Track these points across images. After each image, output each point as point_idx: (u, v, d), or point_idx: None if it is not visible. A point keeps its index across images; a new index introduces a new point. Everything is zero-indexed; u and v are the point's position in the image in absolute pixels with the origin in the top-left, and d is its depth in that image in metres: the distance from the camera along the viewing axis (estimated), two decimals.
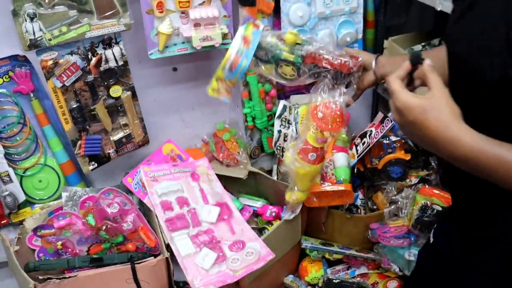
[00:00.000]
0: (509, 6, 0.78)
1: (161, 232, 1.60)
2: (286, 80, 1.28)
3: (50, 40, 1.41)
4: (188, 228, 1.61)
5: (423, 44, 1.89)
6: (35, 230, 1.59)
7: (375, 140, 1.76)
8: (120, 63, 1.57)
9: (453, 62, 0.94)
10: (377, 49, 1.97)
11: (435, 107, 0.82)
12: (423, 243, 1.73)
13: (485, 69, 0.82)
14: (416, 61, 0.93)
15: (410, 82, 0.96)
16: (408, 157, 1.79)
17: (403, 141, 1.80)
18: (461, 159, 0.81)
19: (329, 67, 1.24)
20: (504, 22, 0.79)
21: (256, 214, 1.86)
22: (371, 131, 1.80)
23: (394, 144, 1.80)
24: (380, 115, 1.82)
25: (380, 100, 2.14)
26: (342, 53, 1.26)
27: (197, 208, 1.68)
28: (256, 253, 1.54)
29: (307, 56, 1.25)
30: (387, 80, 0.92)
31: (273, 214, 1.82)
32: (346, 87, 1.27)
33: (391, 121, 1.74)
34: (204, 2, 1.57)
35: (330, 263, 1.95)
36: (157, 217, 1.62)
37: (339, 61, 1.23)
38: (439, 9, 1.61)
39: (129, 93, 1.64)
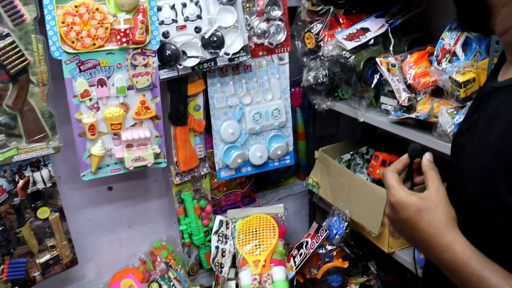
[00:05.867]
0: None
1: None
2: None
3: None
4: None
5: (351, 152, 1.97)
6: None
7: (311, 250, 1.76)
8: (49, 184, 1.55)
9: (452, 173, 0.89)
10: (310, 159, 2.04)
11: (430, 208, 0.78)
12: None
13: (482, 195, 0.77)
14: (415, 154, 0.88)
15: (409, 176, 0.91)
16: (346, 264, 1.79)
17: (339, 249, 1.81)
18: (445, 266, 0.78)
19: None
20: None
21: None
22: (307, 241, 1.81)
23: (331, 253, 1.80)
24: (314, 225, 1.84)
25: (317, 209, 2.16)
26: None
27: None
28: None
29: None
30: (383, 173, 0.87)
31: None
32: None
33: (326, 230, 1.76)
34: (135, 123, 1.59)
35: None
36: None
37: None
38: (361, 120, 1.70)
39: (57, 214, 1.60)
